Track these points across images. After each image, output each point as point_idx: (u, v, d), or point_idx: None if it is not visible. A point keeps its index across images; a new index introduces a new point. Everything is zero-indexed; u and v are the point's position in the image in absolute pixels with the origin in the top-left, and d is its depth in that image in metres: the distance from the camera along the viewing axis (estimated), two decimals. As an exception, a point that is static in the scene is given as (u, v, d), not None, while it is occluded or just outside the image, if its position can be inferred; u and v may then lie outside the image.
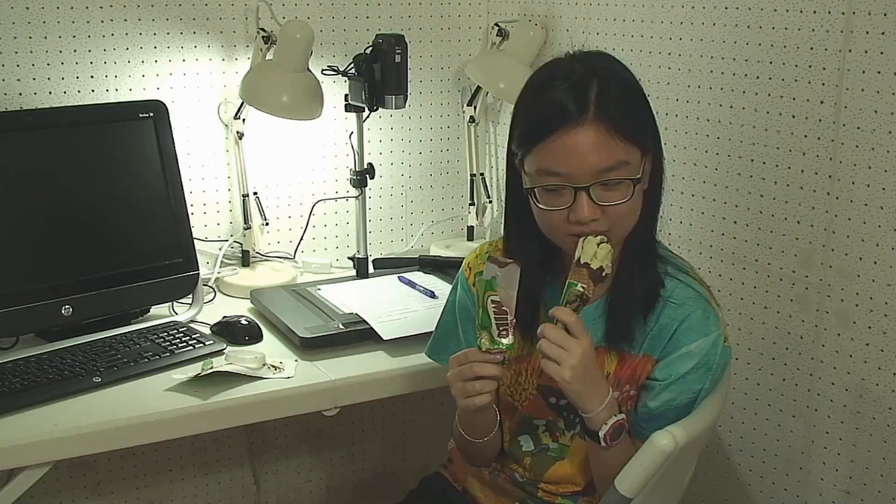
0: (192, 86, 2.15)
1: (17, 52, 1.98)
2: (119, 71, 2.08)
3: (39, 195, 1.81)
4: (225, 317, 1.90)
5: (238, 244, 2.24)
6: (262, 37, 2.09)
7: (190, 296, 1.97)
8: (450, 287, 1.67)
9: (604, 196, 1.35)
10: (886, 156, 1.56)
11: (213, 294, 2.11)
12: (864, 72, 1.58)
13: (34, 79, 2.00)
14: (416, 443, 2.60)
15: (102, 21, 2.04)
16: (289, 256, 2.30)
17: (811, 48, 1.66)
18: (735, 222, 1.85)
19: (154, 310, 1.96)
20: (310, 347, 1.79)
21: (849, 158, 1.62)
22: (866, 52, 1.57)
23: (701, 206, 1.91)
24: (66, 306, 1.78)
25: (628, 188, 1.35)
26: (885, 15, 1.54)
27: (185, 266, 1.94)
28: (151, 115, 1.92)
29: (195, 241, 1.99)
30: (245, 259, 2.23)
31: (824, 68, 1.64)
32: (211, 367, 1.66)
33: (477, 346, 1.39)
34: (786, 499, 1.82)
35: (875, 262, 1.60)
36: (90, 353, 1.72)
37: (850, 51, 1.60)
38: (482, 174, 2.45)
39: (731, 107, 1.82)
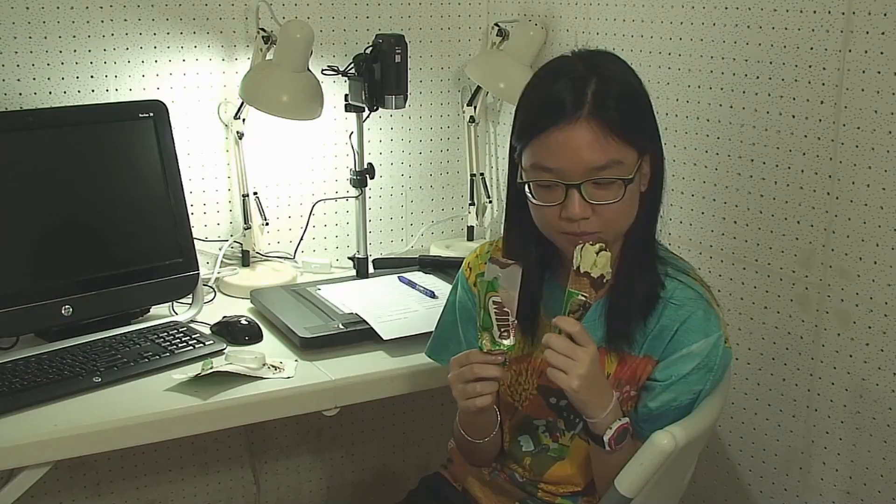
0: (192, 86, 2.15)
1: (17, 52, 1.98)
2: (119, 71, 2.08)
3: (39, 195, 1.81)
4: (225, 317, 1.90)
5: (238, 244, 2.24)
6: (262, 37, 2.09)
7: (190, 296, 1.97)
8: (450, 287, 1.68)
9: (595, 195, 1.35)
10: (886, 156, 1.56)
11: (213, 294, 2.11)
12: (864, 72, 1.58)
13: (34, 79, 2.00)
14: (416, 443, 2.60)
15: (102, 21, 2.04)
16: (289, 256, 2.30)
17: (811, 48, 1.66)
18: (735, 222, 1.85)
19: (154, 310, 1.96)
20: (310, 347, 1.79)
21: (849, 158, 1.62)
22: (866, 52, 1.57)
23: (701, 206, 1.91)
24: (66, 306, 1.78)
25: (620, 188, 1.35)
26: (885, 15, 1.54)
27: (185, 266, 1.94)
28: (151, 115, 1.92)
29: (195, 241, 1.99)
30: (245, 259, 2.23)
31: (824, 68, 1.64)
32: (211, 367, 1.66)
33: (478, 347, 1.39)
34: (786, 499, 1.82)
35: (875, 262, 1.60)
36: (90, 353, 1.72)
37: (850, 51, 1.60)
38: (482, 174, 2.45)
39: (731, 107, 1.82)
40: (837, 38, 1.61)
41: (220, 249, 2.21)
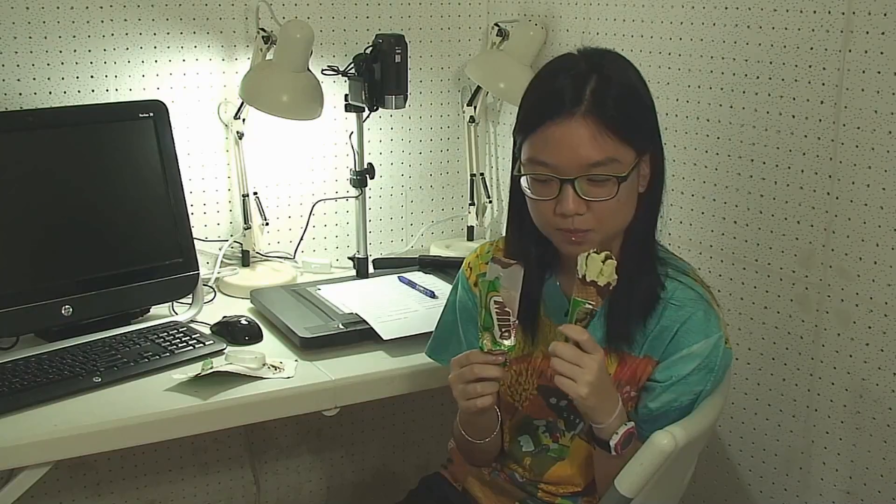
0: (192, 86, 2.15)
1: (17, 52, 1.98)
2: (119, 71, 2.08)
3: (39, 195, 1.81)
4: (225, 317, 1.90)
5: (238, 244, 2.24)
6: (262, 37, 2.09)
7: (190, 296, 1.97)
8: (450, 287, 1.68)
9: (590, 191, 1.36)
10: (886, 156, 1.56)
11: (213, 294, 2.11)
12: (864, 72, 1.58)
13: (34, 79, 2.00)
14: (416, 443, 2.60)
15: (102, 21, 2.04)
16: (289, 256, 2.30)
17: (811, 48, 1.66)
18: (735, 222, 1.85)
19: (154, 310, 1.96)
20: (310, 347, 1.79)
21: (849, 158, 1.62)
22: (866, 52, 1.57)
23: (701, 206, 1.91)
24: (66, 306, 1.78)
25: (614, 186, 1.35)
26: (885, 15, 1.54)
27: (185, 266, 1.94)
28: (151, 115, 1.92)
29: (195, 241, 1.99)
30: (245, 259, 2.23)
31: (824, 68, 1.64)
32: (211, 367, 1.66)
33: (479, 347, 1.39)
34: (786, 499, 1.82)
35: (875, 262, 1.60)
36: (90, 353, 1.72)
37: (850, 51, 1.60)
38: (482, 174, 2.45)
39: (731, 107, 1.82)
40: (837, 38, 1.61)
41: (220, 249, 2.21)
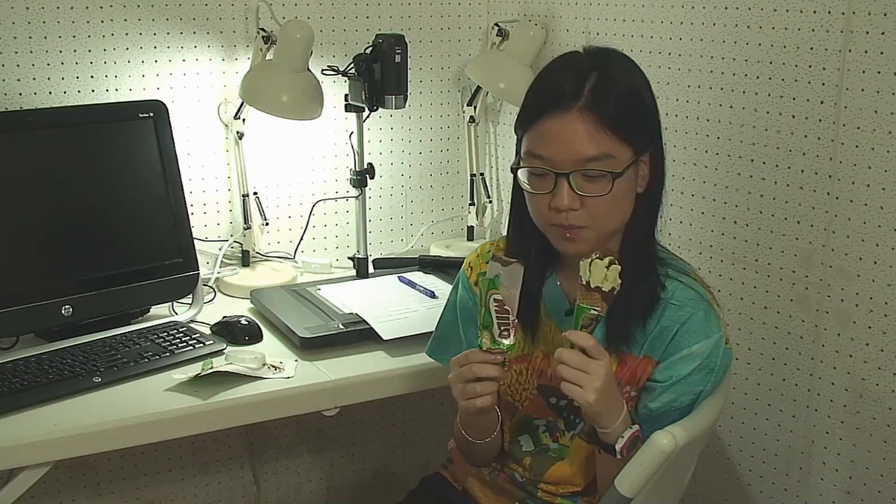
0: (192, 86, 2.15)
1: (17, 52, 1.98)
2: (119, 71, 2.08)
3: (39, 195, 1.81)
4: (225, 317, 1.90)
5: (238, 244, 2.24)
6: (262, 37, 2.09)
7: (190, 296, 1.97)
8: (450, 287, 1.68)
9: (584, 187, 1.36)
10: (886, 156, 1.56)
11: (213, 294, 2.11)
12: (864, 72, 1.58)
13: (34, 79, 2.00)
14: (416, 443, 2.60)
15: (102, 21, 2.04)
16: (289, 256, 2.30)
17: (811, 48, 1.66)
18: (735, 222, 1.85)
19: (154, 310, 1.96)
20: (310, 347, 1.79)
21: (849, 158, 1.62)
22: (866, 52, 1.57)
23: (701, 206, 1.91)
24: (66, 306, 1.78)
25: (608, 182, 1.36)
26: (885, 15, 1.54)
27: (185, 266, 1.94)
28: (151, 115, 1.92)
29: (195, 241, 1.99)
30: (245, 259, 2.23)
31: (824, 68, 1.64)
32: (211, 367, 1.66)
33: (478, 346, 1.39)
34: (786, 499, 1.82)
35: (875, 262, 1.60)
36: (90, 353, 1.72)
37: (850, 51, 1.60)
38: (482, 174, 2.45)
39: (731, 107, 1.82)
40: (837, 38, 1.61)
41: (220, 249, 2.21)
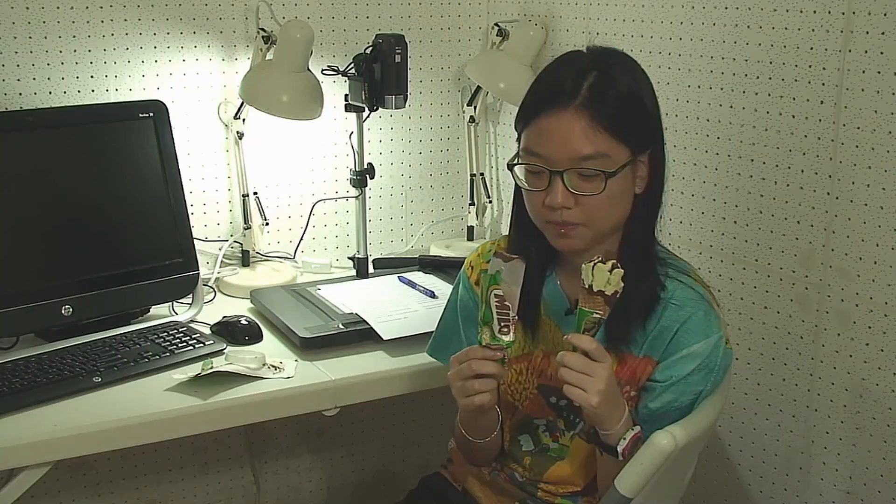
0: (192, 86, 2.15)
1: (17, 52, 1.98)
2: (119, 71, 2.08)
3: (39, 195, 1.81)
4: (225, 317, 1.90)
5: (238, 244, 2.24)
6: (262, 37, 2.09)
7: (190, 296, 1.97)
8: (450, 287, 1.68)
9: (578, 185, 1.37)
10: (886, 156, 1.56)
11: (213, 294, 2.11)
12: (864, 72, 1.58)
13: (34, 79, 2.00)
14: (416, 443, 2.60)
15: (102, 21, 2.04)
16: (289, 256, 2.30)
17: (811, 48, 1.66)
18: (735, 222, 1.85)
19: (154, 310, 1.96)
20: (310, 347, 1.79)
21: (849, 158, 1.62)
22: (866, 52, 1.57)
23: (701, 206, 1.91)
24: (66, 306, 1.78)
25: (602, 181, 1.36)
26: (885, 15, 1.54)
27: (185, 266, 1.94)
28: (151, 115, 1.92)
29: (195, 241, 1.98)
30: (245, 259, 2.23)
31: (824, 68, 1.64)
32: (211, 367, 1.66)
33: (478, 341, 1.39)
34: (786, 499, 1.82)
35: (875, 262, 1.60)
36: (90, 353, 1.72)
37: (850, 51, 1.60)
38: (482, 174, 2.45)
39: (731, 107, 1.82)
40: (837, 38, 1.61)
41: (220, 249, 2.21)
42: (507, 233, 1.57)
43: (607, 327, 1.42)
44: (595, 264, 1.33)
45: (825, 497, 1.74)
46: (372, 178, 2.17)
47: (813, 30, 1.65)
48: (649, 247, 1.46)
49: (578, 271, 1.36)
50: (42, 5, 1.98)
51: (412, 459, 2.60)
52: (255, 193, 2.22)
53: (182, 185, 1.96)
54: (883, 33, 1.54)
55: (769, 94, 1.74)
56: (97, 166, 1.88)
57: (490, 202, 2.46)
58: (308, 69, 2.05)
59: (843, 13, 1.60)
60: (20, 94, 1.99)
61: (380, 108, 2.08)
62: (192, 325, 1.89)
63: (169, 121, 1.94)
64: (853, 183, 1.62)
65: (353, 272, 2.21)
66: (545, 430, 1.54)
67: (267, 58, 2.10)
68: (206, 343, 1.79)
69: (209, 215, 2.23)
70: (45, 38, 2.00)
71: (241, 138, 2.17)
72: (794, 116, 1.70)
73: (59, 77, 2.02)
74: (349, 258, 2.24)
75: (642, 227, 1.44)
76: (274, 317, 1.91)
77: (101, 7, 2.04)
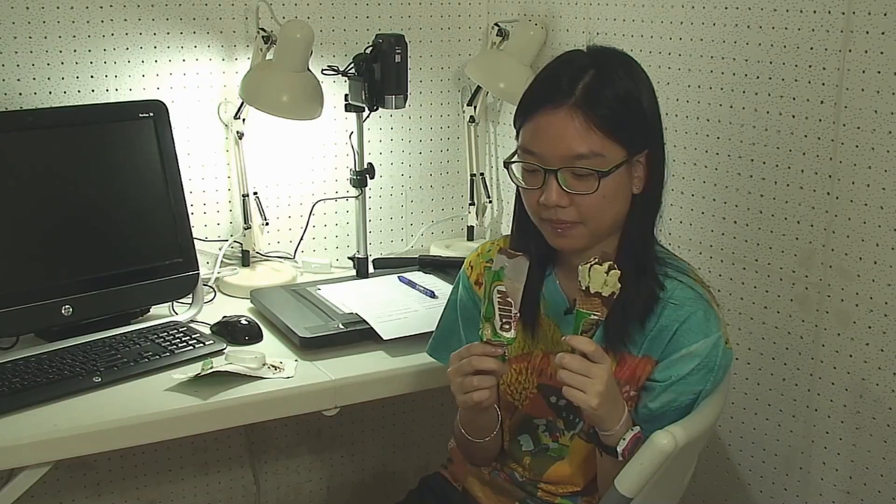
0: (192, 86, 2.15)
1: (17, 52, 1.98)
2: (119, 71, 2.08)
3: (39, 195, 1.81)
4: (225, 317, 1.90)
5: (238, 244, 2.24)
6: (262, 37, 2.09)
7: (190, 296, 1.97)
8: (450, 287, 1.68)
9: (572, 184, 1.37)
10: (886, 156, 1.56)
11: (213, 294, 2.11)
12: (864, 72, 1.58)
13: (34, 79, 2.00)
14: (416, 443, 2.60)
15: (102, 21, 2.04)
16: (289, 256, 2.30)
17: (811, 48, 1.66)
18: (735, 222, 1.85)
19: (154, 310, 1.96)
20: (310, 347, 1.79)
21: (849, 158, 1.62)
22: (866, 52, 1.57)
23: (701, 206, 1.91)
24: (66, 306, 1.78)
25: (595, 181, 1.36)
26: (885, 15, 1.54)
27: (185, 266, 1.94)
28: (151, 115, 1.92)
29: (195, 241, 1.98)
30: (245, 259, 2.23)
31: (824, 68, 1.64)
32: (211, 367, 1.66)
33: (479, 337, 1.39)
34: (786, 499, 1.82)
35: (875, 262, 1.60)
36: (90, 353, 1.72)
37: (850, 51, 1.60)
38: (482, 174, 2.45)
39: (731, 107, 1.82)
40: (837, 38, 1.61)
41: (220, 249, 2.21)
42: (507, 233, 1.57)
43: (606, 327, 1.42)
44: (591, 266, 1.33)
45: (825, 497, 1.74)
46: (372, 178, 2.17)
47: (813, 30, 1.65)
48: (648, 247, 1.46)
49: (577, 271, 1.36)
50: (42, 5, 1.98)
51: (412, 459, 2.60)
52: (255, 193, 2.22)
53: (182, 185, 1.96)
54: (883, 33, 1.54)
55: (769, 94, 1.74)
56: (97, 166, 1.88)
57: (490, 202, 2.46)
58: (308, 69, 2.05)
59: (843, 13, 1.60)
60: (20, 94, 1.99)
61: (380, 108, 2.08)
62: (192, 325, 1.89)
63: (169, 121, 1.94)
64: (853, 183, 1.62)
65: (353, 272, 2.21)
66: (545, 430, 1.54)
67: (267, 58, 2.10)
68: (206, 343, 1.79)
69: (209, 215, 2.23)
70: (45, 38, 2.00)
71: (241, 138, 2.17)
72: (794, 116, 1.70)
73: (59, 77, 2.02)
74: (349, 258, 2.24)
75: (641, 227, 1.44)
76: (274, 317, 1.91)
77: (101, 7, 2.04)
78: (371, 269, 2.21)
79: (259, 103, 2.04)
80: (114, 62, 2.07)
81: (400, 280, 2.13)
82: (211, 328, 1.88)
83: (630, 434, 1.37)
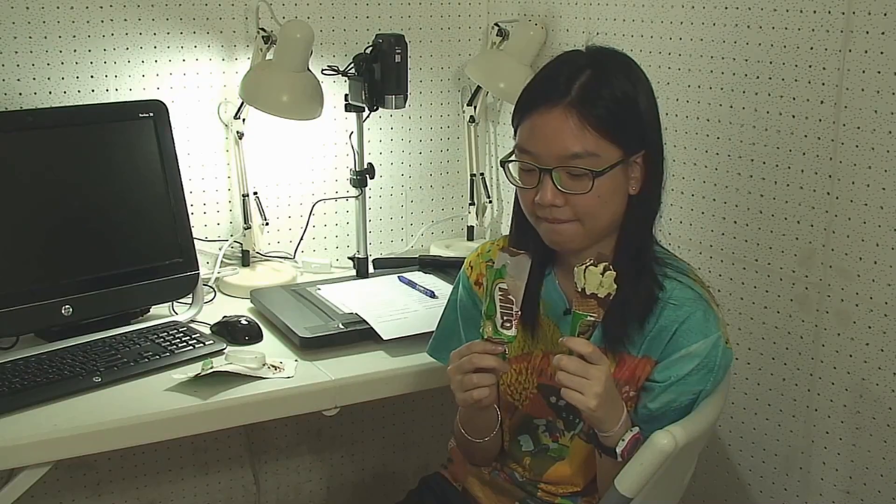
0: (192, 86, 2.15)
1: (17, 52, 1.98)
2: (119, 71, 2.08)
3: (39, 195, 1.81)
4: (225, 317, 1.90)
5: (238, 244, 2.24)
6: (262, 37, 2.09)
7: (190, 296, 1.97)
8: (450, 287, 1.68)
9: (567, 184, 1.37)
10: (886, 156, 1.56)
11: (213, 294, 2.11)
12: (864, 72, 1.58)
13: (34, 79, 2.00)
14: (416, 443, 2.60)
15: (102, 21, 2.04)
16: (289, 256, 2.30)
17: (811, 48, 1.66)
18: (735, 222, 1.85)
19: (154, 310, 1.96)
20: (310, 347, 1.79)
21: (849, 158, 1.62)
22: (866, 52, 1.57)
23: (701, 206, 1.91)
24: (66, 306, 1.78)
25: (589, 180, 1.36)
26: (885, 15, 1.54)
27: (185, 266, 1.94)
28: (151, 115, 1.92)
29: (195, 241, 1.99)
30: (245, 259, 2.23)
31: (824, 68, 1.64)
32: (211, 367, 1.66)
33: (479, 334, 1.39)
34: (786, 499, 1.82)
35: (875, 262, 1.60)
36: (90, 353, 1.72)
37: (850, 51, 1.60)
38: (482, 174, 2.45)
39: (731, 107, 1.82)
40: (837, 38, 1.61)
41: (220, 249, 2.21)
42: (506, 233, 1.57)
43: (604, 328, 1.42)
44: (587, 267, 1.33)
45: (825, 497, 1.74)
46: (372, 178, 2.17)
47: (813, 30, 1.65)
48: (646, 247, 1.46)
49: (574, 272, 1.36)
50: (42, 5, 1.98)
51: (412, 459, 2.60)
52: (255, 193, 2.22)
53: (182, 185, 1.96)
54: (883, 33, 1.54)
55: (769, 94, 1.74)
56: (97, 166, 1.88)
57: (490, 202, 2.46)
58: (308, 69, 2.05)
59: (843, 13, 1.60)
60: (20, 94, 1.99)
61: (380, 108, 2.08)
62: (192, 325, 1.89)
63: (169, 121, 1.94)
64: (853, 183, 1.62)
65: (353, 272, 2.21)
66: (545, 431, 1.54)
67: (267, 58, 2.10)
68: (206, 343, 1.79)
69: (209, 215, 2.23)
70: (45, 38, 2.00)
71: (241, 138, 2.17)
72: (794, 116, 1.70)
73: (59, 77, 2.02)
74: (349, 258, 2.24)
75: (638, 227, 1.44)
76: (274, 317, 1.91)
77: (101, 7, 2.04)
78: (371, 269, 2.21)
79: (259, 103, 2.04)
80: (114, 62, 2.07)
81: (400, 280, 2.13)
82: (211, 328, 1.88)
83: (629, 435, 1.37)
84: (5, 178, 1.77)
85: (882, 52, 1.55)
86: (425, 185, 2.47)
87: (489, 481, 1.63)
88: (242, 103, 2.12)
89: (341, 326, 1.84)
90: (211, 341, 1.80)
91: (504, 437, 1.58)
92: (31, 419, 1.54)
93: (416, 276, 2.14)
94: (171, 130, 1.94)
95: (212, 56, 2.16)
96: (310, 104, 2.07)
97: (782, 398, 1.80)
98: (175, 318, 1.93)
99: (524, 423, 1.56)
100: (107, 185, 1.89)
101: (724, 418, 1.87)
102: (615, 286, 1.33)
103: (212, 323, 1.90)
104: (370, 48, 2.05)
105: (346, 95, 2.13)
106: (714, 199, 1.88)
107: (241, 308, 2.02)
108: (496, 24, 2.31)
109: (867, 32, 1.57)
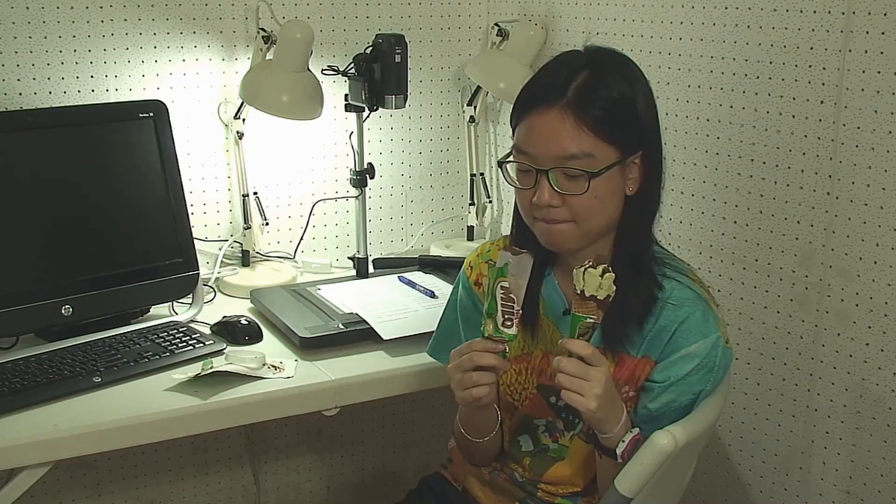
0: (192, 86, 2.15)
1: (17, 52, 1.98)
2: (119, 71, 2.08)
3: (39, 195, 1.81)
4: (225, 317, 1.90)
5: (238, 244, 2.24)
6: (262, 37, 2.09)
7: (190, 296, 1.97)
8: (450, 287, 1.68)
9: (564, 185, 1.37)
10: (886, 156, 1.56)
11: (213, 294, 2.11)
12: (864, 72, 1.58)
13: (34, 79, 2.00)
14: (416, 443, 2.60)
15: (102, 21, 2.04)
16: (289, 256, 2.30)
17: (811, 48, 1.66)
18: (735, 222, 1.85)
19: (154, 310, 1.96)
20: (310, 347, 1.79)
21: (849, 158, 1.62)
22: (866, 52, 1.57)
23: (701, 206, 1.91)
24: (66, 306, 1.78)
25: (585, 181, 1.36)
26: (885, 15, 1.54)
27: (185, 266, 1.94)
28: (151, 115, 1.92)
29: (195, 241, 1.99)
30: (245, 259, 2.23)
31: (824, 68, 1.64)
32: (211, 367, 1.66)
33: (480, 332, 1.39)
34: (786, 499, 1.82)
35: (875, 262, 1.60)
36: (90, 353, 1.72)
37: (850, 51, 1.60)
38: (482, 174, 2.45)
39: (731, 107, 1.82)
40: (837, 38, 1.61)
41: (220, 249, 2.21)
42: (506, 233, 1.57)
43: (604, 329, 1.42)
44: (586, 269, 1.33)
45: (825, 497, 1.74)
46: (372, 177, 2.17)
47: (813, 30, 1.65)
48: (644, 248, 1.46)
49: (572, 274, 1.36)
50: (42, 5, 1.98)
51: (412, 459, 2.60)
52: (255, 193, 2.22)
53: (182, 185, 1.96)
54: (883, 33, 1.54)
55: (769, 94, 1.74)
56: (97, 166, 1.88)
57: (490, 202, 2.46)
58: (308, 69, 2.05)
59: (843, 13, 1.60)
60: (20, 94, 1.99)
61: (380, 108, 2.08)
62: (192, 325, 1.89)
63: (169, 121, 1.94)
64: (853, 183, 1.62)
65: (353, 272, 2.21)
66: (545, 431, 1.54)
67: (267, 58, 2.10)
68: (206, 343, 1.79)
69: (209, 215, 2.23)
70: (45, 38, 2.00)
71: (241, 138, 2.17)
72: (794, 116, 1.70)
73: (59, 77, 2.02)
74: (349, 258, 2.24)
75: (636, 228, 1.44)
76: (274, 317, 1.91)
77: (101, 7, 2.04)
78: (371, 269, 2.21)
79: (259, 103, 2.04)
80: (114, 62, 2.07)
81: (400, 280, 2.13)
82: (211, 328, 1.88)
83: (629, 436, 1.37)
84: (5, 178, 1.77)
85: (882, 52, 1.55)
86: (425, 185, 2.48)
87: (489, 481, 1.63)
88: (242, 103, 2.12)
89: (341, 326, 1.84)
90: (211, 341, 1.80)
91: (504, 437, 1.58)
92: (31, 419, 1.54)
93: (416, 276, 2.14)
94: (171, 130, 1.94)
95: (212, 56, 2.16)
96: (310, 104, 2.07)
97: (782, 398, 1.80)
98: (175, 318, 1.93)
99: (524, 424, 1.56)
100: (107, 185, 1.89)
101: (724, 418, 1.87)
102: (614, 288, 1.33)
103: (212, 323, 1.90)
104: (370, 48, 2.05)
105: (346, 95, 2.13)
106: (714, 199, 1.88)
107: (241, 308, 2.02)
108: (496, 24, 2.31)
109: (867, 32, 1.57)
